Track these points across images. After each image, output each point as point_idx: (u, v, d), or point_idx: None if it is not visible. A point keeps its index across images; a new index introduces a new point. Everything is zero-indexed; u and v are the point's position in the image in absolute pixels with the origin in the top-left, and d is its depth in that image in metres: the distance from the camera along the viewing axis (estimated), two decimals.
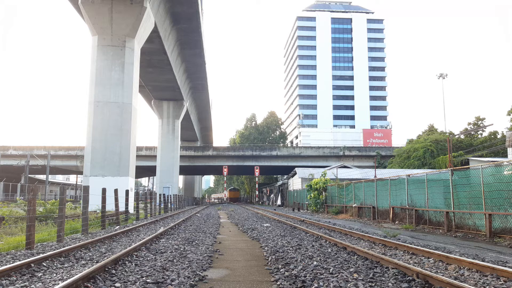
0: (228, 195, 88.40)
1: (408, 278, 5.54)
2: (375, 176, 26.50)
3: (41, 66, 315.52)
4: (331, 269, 6.12)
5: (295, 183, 44.86)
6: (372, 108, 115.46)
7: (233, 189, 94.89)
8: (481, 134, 52.10)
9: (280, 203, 51.74)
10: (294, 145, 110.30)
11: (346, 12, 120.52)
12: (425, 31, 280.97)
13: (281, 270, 6.31)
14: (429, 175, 15.63)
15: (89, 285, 5.04)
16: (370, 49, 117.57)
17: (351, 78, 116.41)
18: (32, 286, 5.08)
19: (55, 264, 6.57)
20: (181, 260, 7.07)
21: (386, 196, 19.08)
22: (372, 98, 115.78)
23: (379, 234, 11.85)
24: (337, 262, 6.80)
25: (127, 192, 17.93)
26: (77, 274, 5.48)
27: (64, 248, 7.55)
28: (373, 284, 5.21)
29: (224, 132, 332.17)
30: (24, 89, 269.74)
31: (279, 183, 63.84)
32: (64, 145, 56.37)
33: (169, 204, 29.19)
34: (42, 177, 68.82)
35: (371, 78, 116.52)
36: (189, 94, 49.18)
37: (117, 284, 5.14)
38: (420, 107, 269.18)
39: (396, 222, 17.54)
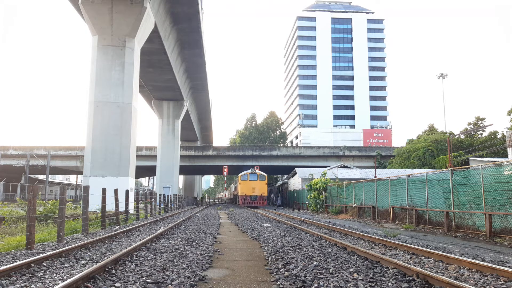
0: (239, 190, 42.87)
1: (408, 278, 5.54)
2: (375, 176, 26.50)
3: (41, 66, 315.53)
4: (331, 269, 6.12)
5: (295, 183, 44.85)
6: (372, 108, 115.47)
7: (252, 174, 42.80)
8: (481, 134, 52.10)
9: (280, 203, 51.75)
10: (294, 145, 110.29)
11: (346, 12, 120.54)
12: (425, 31, 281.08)
13: (281, 270, 6.32)
14: (429, 175, 15.63)
15: (89, 285, 5.04)
16: (370, 49, 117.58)
17: (351, 78, 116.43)
18: (32, 286, 5.08)
19: (55, 264, 6.57)
20: (181, 260, 7.07)
21: (386, 196, 19.08)
22: (372, 98, 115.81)
23: (379, 234, 11.85)
24: (337, 262, 6.81)
25: (127, 192, 17.93)
26: (77, 274, 5.48)
27: (64, 248, 7.55)
28: (373, 284, 5.21)
29: (224, 132, 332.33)
30: (24, 89, 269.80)
31: (279, 183, 63.85)
32: (64, 145, 56.39)
33: (169, 204, 29.18)
34: (42, 177, 68.83)
35: (371, 78, 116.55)
36: (189, 94, 49.18)
37: (117, 284, 5.14)
38: (420, 107, 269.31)
39: (396, 222, 17.54)
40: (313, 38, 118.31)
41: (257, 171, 43.73)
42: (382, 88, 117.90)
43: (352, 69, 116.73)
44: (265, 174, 44.02)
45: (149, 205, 21.42)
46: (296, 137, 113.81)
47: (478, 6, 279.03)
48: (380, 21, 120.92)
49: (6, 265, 6.14)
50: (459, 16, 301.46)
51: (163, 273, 5.91)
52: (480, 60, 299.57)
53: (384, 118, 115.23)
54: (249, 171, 43.05)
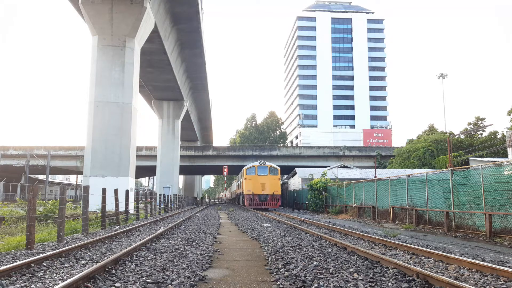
0: (244, 187, 33.46)
1: (408, 278, 5.54)
2: (375, 176, 26.51)
3: (41, 66, 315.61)
4: (331, 269, 6.12)
5: (295, 183, 44.83)
6: (372, 108, 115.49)
7: (261, 167, 33.25)
8: (481, 134, 52.10)
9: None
10: (294, 145, 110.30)
11: (346, 12, 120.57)
12: (425, 31, 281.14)
13: (281, 270, 6.31)
14: (429, 175, 15.63)
15: (89, 285, 5.04)
16: (370, 49, 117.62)
17: (351, 78, 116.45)
18: (32, 286, 5.08)
19: (55, 264, 6.57)
20: (181, 260, 7.07)
21: (386, 196, 19.08)
22: (372, 98, 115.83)
23: (379, 234, 11.85)
24: (337, 262, 6.80)
25: (127, 192, 17.91)
26: (77, 274, 5.48)
27: (64, 248, 7.55)
28: (373, 284, 5.21)
29: (224, 132, 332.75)
30: (24, 89, 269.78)
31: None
32: (64, 145, 56.40)
33: (169, 204, 29.18)
34: (42, 177, 68.84)
35: (371, 78, 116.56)
36: (189, 94, 49.18)
37: (117, 284, 5.14)
38: (420, 107, 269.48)
39: (396, 222, 17.54)
40: (313, 38, 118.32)
41: (268, 163, 34.05)
42: (382, 88, 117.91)
43: (352, 69, 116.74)
44: (278, 167, 33.94)
45: (149, 205, 21.42)
46: (296, 137, 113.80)
47: (478, 6, 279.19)
48: (380, 21, 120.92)
49: (6, 265, 6.14)
50: (459, 16, 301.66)
51: (163, 273, 5.91)
52: (480, 60, 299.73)
53: (384, 118, 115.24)
54: (257, 163, 33.39)
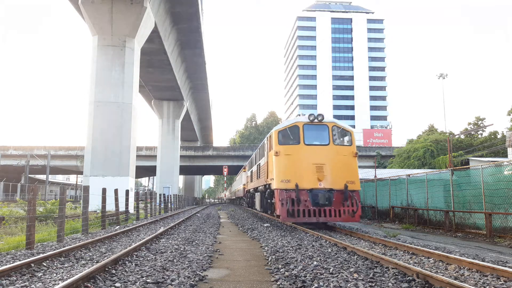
0: (274, 173, 12.63)
1: (408, 278, 5.54)
2: (375, 176, 26.46)
3: (41, 66, 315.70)
4: (331, 269, 6.12)
5: None
6: (372, 108, 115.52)
7: (314, 126, 13.04)
8: (481, 134, 52.07)
9: None
10: None
11: (346, 12, 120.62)
12: (425, 31, 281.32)
13: (281, 270, 6.31)
14: (429, 175, 15.64)
15: (89, 285, 5.04)
16: (370, 49, 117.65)
17: (351, 78, 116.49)
18: (32, 286, 5.08)
19: (55, 264, 6.57)
20: (181, 260, 7.07)
21: (386, 196, 19.08)
22: (372, 98, 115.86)
23: (379, 234, 11.85)
24: (337, 262, 6.80)
25: (127, 192, 17.91)
26: (77, 274, 5.48)
27: (64, 248, 7.55)
28: (373, 284, 5.21)
29: (224, 132, 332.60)
30: (24, 89, 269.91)
31: None
32: (64, 145, 56.45)
33: (169, 204, 29.17)
34: (42, 177, 68.84)
35: (371, 78, 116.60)
36: (189, 94, 49.18)
37: (117, 284, 5.14)
38: (420, 107, 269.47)
39: (396, 222, 17.54)
40: (313, 38, 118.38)
41: (328, 118, 13.78)
42: (382, 88, 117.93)
43: (352, 69, 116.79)
44: (350, 129, 14.10)
45: (149, 205, 21.42)
46: None
47: (478, 6, 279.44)
48: (380, 21, 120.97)
49: (6, 265, 6.14)
50: (459, 16, 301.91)
51: (163, 273, 5.91)
52: (480, 60, 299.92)
53: (384, 118, 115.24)
54: (304, 119, 13.62)
